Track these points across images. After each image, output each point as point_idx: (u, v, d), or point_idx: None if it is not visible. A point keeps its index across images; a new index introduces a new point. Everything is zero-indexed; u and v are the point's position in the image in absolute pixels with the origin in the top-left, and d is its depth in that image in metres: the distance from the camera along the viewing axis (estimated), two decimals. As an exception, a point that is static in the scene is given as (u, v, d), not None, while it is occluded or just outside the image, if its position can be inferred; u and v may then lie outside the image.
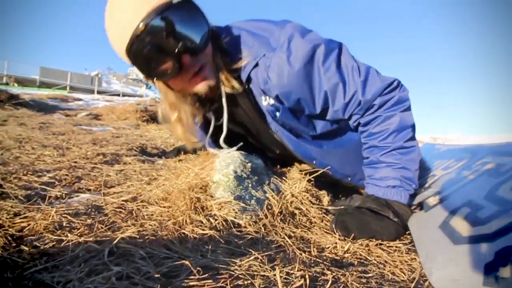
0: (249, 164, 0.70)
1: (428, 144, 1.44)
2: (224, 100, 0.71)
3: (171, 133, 2.09)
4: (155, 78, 0.66)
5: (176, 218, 0.48)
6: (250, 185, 0.64)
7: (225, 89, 0.69)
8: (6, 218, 0.43)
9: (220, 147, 0.79)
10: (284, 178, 0.78)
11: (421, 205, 0.67)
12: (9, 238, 0.38)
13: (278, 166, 0.92)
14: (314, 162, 0.83)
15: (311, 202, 0.69)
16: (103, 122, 2.30)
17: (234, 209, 0.53)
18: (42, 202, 0.52)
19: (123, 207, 0.53)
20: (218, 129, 0.78)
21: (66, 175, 0.72)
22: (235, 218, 0.51)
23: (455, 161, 0.91)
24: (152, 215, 0.50)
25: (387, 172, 0.64)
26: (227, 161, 0.68)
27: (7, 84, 13.14)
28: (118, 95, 15.68)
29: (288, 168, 0.85)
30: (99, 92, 15.79)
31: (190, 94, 0.71)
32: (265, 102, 0.72)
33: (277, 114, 0.73)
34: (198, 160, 0.80)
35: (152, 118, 2.70)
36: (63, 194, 0.59)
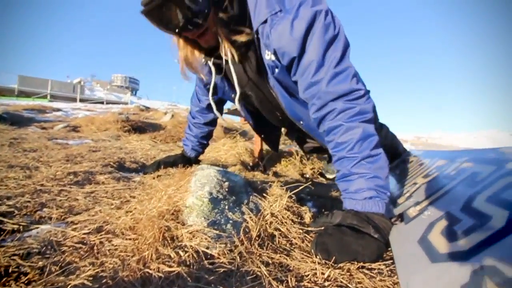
0: (227, 183, 0.66)
1: (412, 150, 1.45)
2: (230, 63, 0.80)
3: (153, 145, 2.03)
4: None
5: (141, 253, 0.44)
6: (226, 207, 0.60)
7: (226, 51, 0.76)
8: None
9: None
10: (265, 194, 0.75)
11: (401, 217, 0.66)
12: None
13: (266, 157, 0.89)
14: (301, 122, 0.92)
15: (292, 220, 0.66)
16: (81, 134, 2.21)
17: (207, 238, 0.49)
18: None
19: (84, 242, 0.48)
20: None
21: (28, 201, 0.67)
22: (207, 248, 0.47)
23: (435, 168, 0.91)
24: (116, 249, 0.46)
25: (360, 184, 0.63)
26: (202, 181, 0.64)
27: (-18, 94, 12.57)
28: (102, 102, 15.31)
29: (269, 183, 0.82)
30: (81, 100, 15.37)
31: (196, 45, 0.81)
32: (268, 56, 0.76)
33: (276, 70, 0.78)
34: (174, 179, 0.76)
35: (134, 128, 2.62)
36: (20, 227, 0.54)
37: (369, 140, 0.66)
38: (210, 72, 0.89)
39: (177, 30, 0.70)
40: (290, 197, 0.75)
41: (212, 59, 0.85)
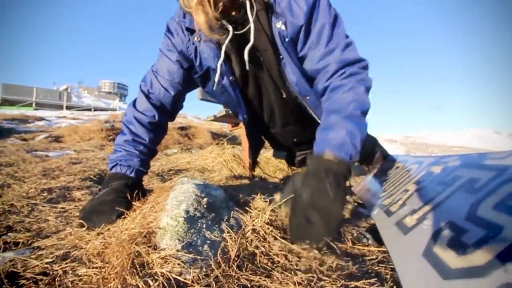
0: (205, 200, 0.64)
1: (400, 155, 1.44)
2: (249, 11, 0.77)
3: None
4: None
5: (106, 284, 0.40)
6: (204, 225, 0.57)
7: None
8: None
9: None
10: (247, 208, 0.73)
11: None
12: None
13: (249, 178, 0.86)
14: (308, 98, 0.90)
15: (275, 236, 0.64)
16: (63, 145, 2.14)
17: (180, 263, 0.46)
18: None
19: (46, 272, 0.44)
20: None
21: (-8, 225, 0.63)
22: (180, 275, 0.44)
23: (425, 173, 0.89)
24: (80, 280, 0.42)
25: (338, 134, 0.65)
26: (179, 198, 0.61)
27: (-36, 103, 12.17)
28: (90, 109, 15.02)
29: (252, 196, 0.79)
30: (68, 108, 15.05)
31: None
32: (279, 25, 0.79)
33: (286, 40, 0.80)
34: (153, 196, 0.73)
35: (120, 137, 2.56)
36: None
37: (364, 105, 0.72)
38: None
39: None
40: (273, 210, 0.72)
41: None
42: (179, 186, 0.67)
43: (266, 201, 0.76)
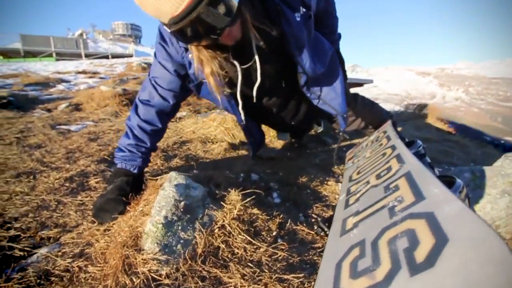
0: (183, 203, 0.80)
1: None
2: (254, 49, 0.83)
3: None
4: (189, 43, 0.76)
5: (105, 281, 0.60)
6: (180, 227, 0.74)
7: (254, 41, 0.81)
8: None
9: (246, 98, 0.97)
10: (222, 203, 0.88)
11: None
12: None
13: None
14: (321, 69, 1.01)
15: (240, 230, 0.80)
16: (83, 114, 2.35)
17: (157, 263, 0.65)
18: (7, 271, 0.64)
19: (68, 269, 0.65)
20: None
21: (31, 221, 0.84)
22: (156, 272, 0.63)
23: (387, 170, 0.93)
24: (90, 277, 0.63)
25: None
26: (161, 204, 0.78)
27: (-9, 58, 12.66)
28: (107, 57, 15.06)
29: (229, 189, 0.94)
30: (86, 56, 15.17)
31: (220, 48, 0.81)
32: (298, 15, 0.87)
33: (310, 18, 0.92)
34: (145, 194, 0.90)
35: (132, 101, 2.72)
36: (25, 254, 0.71)
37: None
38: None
39: (217, 34, 0.68)
40: (246, 202, 0.88)
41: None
42: (162, 192, 0.82)
43: (239, 195, 0.91)
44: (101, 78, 4.63)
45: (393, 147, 1.06)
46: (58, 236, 0.79)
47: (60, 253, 0.71)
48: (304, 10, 0.88)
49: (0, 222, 0.83)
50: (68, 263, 0.67)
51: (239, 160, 1.50)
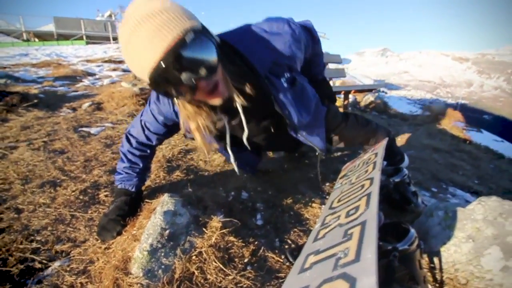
0: (168, 231, 0.94)
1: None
2: (239, 108, 0.90)
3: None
4: (173, 98, 0.83)
5: (98, 300, 0.77)
6: (162, 253, 0.89)
7: (237, 99, 0.87)
8: None
9: (237, 149, 1.07)
10: (204, 229, 1.02)
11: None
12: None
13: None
14: (306, 119, 1.09)
15: (215, 256, 0.94)
16: (103, 115, 2.57)
17: (139, 286, 0.80)
18: (28, 281, 0.83)
19: (73, 285, 0.83)
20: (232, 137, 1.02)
21: (49, 235, 1.03)
22: (138, 295, 0.78)
23: (355, 209, 0.98)
24: (87, 293, 0.80)
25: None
26: (149, 232, 0.93)
27: (28, 40, 13.50)
28: (133, 40, 15.42)
29: (212, 216, 1.07)
30: (114, 39, 15.68)
31: (205, 105, 0.87)
32: (284, 80, 0.95)
33: (297, 78, 1.01)
34: (140, 217, 1.06)
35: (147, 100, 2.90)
36: (43, 266, 0.90)
37: None
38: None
39: (193, 83, 0.70)
40: (225, 230, 1.01)
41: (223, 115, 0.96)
42: (153, 219, 0.97)
43: (220, 222, 1.05)
44: (123, 70, 4.87)
45: (371, 181, 1.12)
46: (69, 250, 0.98)
47: (68, 268, 0.89)
48: (288, 75, 0.98)
49: (26, 234, 1.03)
50: (73, 279, 0.84)
51: (235, 174, 1.62)
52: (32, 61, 5.60)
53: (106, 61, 6.04)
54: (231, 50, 0.88)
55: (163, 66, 0.65)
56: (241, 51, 0.88)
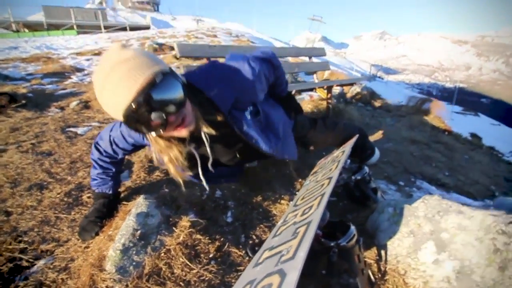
0: (139, 232, 1.06)
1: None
2: (204, 138, 0.97)
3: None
4: (146, 134, 0.86)
5: (76, 294, 0.89)
6: (134, 251, 1.01)
7: (204, 130, 0.96)
8: None
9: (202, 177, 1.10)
10: (174, 228, 1.14)
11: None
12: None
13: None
14: (277, 152, 1.21)
15: (182, 253, 1.06)
16: (90, 114, 2.65)
17: (112, 281, 0.92)
18: (16, 278, 0.95)
19: (55, 280, 0.94)
20: (204, 161, 1.07)
21: (35, 236, 1.15)
22: (111, 289, 0.91)
23: (308, 209, 1.04)
24: (67, 288, 0.92)
25: None
26: (122, 233, 1.04)
27: (17, 31, 13.25)
28: (125, 28, 15.20)
29: (181, 216, 1.19)
30: (105, 27, 15.40)
31: (175, 138, 0.94)
32: (247, 113, 1.06)
33: (260, 109, 1.12)
34: (116, 219, 1.17)
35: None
36: (29, 264, 1.02)
37: None
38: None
39: (163, 119, 0.77)
40: (193, 226, 1.13)
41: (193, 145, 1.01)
42: (126, 220, 1.08)
43: (190, 222, 1.16)
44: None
45: (330, 180, 1.21)
46: (53, 250, 1.09)
47: (52, 266, 1.01)
48: (251, 108, 1.08)
49: (14, 235, 1.14)
50: (55, 276, 0.96)
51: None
52: (21, 55, 5.59)
53: (96, 54, 6.01)
54: (196, 90, 0.94)
55: (135, 106, 0.72)
56: (205, 91, 0.95)
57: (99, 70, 0.76)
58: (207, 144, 0.99)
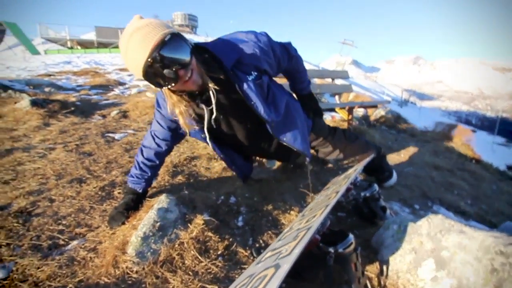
0: (158, 224, 1.19)
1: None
2: (211, 93, 1.13)
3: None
4: (162, 87, 1.03)
5: (101, 269, 1.03)
6: (152, 240, 1.14)
7: (210, 85, 1.12)
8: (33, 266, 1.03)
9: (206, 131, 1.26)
10: (189, 224, 1.26)
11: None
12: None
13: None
14: (272, 120, 1.28)
15: (194, 246, 1.17)
16: (127, 122, 2.94)
17: (132, 263, 1.05)
18: (53, 253, 1.12)
19: (84, 258, 1.10)
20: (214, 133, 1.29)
21: (72, 221, 1.33)
22: (130, 269, 1.04)
23: (313, 217, 1.15)
24: (93, 265, 1.06)
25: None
26: (144, 223, 1.19)
27: (71, 48, 14.91)
28: (164, 48, 16.44)
29: (197, 214, 1.31)
30: (147, 47, 16.80)
31: (185, 92, 1.13)
32: (250, 77, 1.15)
33: (263, 78, 1.22)
34: (141, 211, 1.33)
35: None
36: (65, 243, 1.19)
37: None
38: (194, 119, 1.24)
39: (174, 72, 0.95)
40: (206, 225, 1.24)
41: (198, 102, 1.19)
42: (150, 212, 1.23)
43: (204, 220, 1.28)
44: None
45: (337, 193, 1.29)
46: (85, 233, 1.26)
47: (83, 246, 1.17)
48: (255, 73, 1.18)
49: (55, 218, 1.33)
50: (85, 254, 1.12)
51: (230, 180, 1.86)
52: (73, 69, 6.30)
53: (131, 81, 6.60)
54: (202, 50, 1.10)
55: (150, 61, 0.91)
56: (210, 49, 1.11)
57: (123, 37, 0.97)
58: (213, 99, 1.14)
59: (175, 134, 1.42)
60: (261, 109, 1.22)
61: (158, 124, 1.37)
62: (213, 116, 1.21)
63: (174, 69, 0.95)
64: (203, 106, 1.19)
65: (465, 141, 3.69)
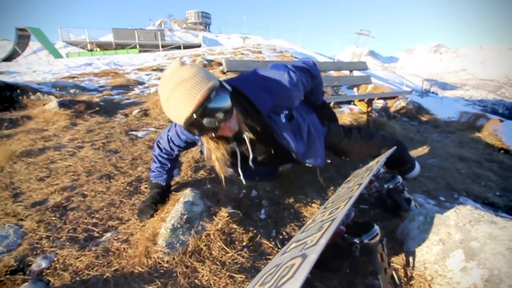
0: (185, 216, 1.24)
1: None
2: (246, 138, 1.14)
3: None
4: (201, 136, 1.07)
5: (133, 259, 1.09)
6: (180, 232, 1.19)
7: (245, 131, 1.13)
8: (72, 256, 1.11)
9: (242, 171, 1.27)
10: (214, 217, 1.30)
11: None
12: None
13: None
14: (300, 155, 1.35)
15: (220, 238, 1.21)
16: (148, 120, 3.03)
17: (163, 253, 1.11)
18: (89, 244, 1.19)
19: (118, 248, 1.16)
20: (243, 159, 1.26)
21: (104, 214, 1.41)
22: (161, 259, 1.09)
23: (336, 209, 1.18)
24: (126, 256, 1.13)
25: None
26: (172, 215, 1.24)
27: (91, 50, 15.45)
28: (179, 47, 16.69)
29: (221, 207, 1.35)
30: (163, 46, 17.11)
31: (222, 138, 1.14)
32: (283, 116, 1.22)
33: (293, 113, 1.28)
34: (168, 204, 1.38)
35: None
36: (99, 235, 1.26)
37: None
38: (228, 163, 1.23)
39: (216, 126, 0.97)
40: (230, 217, 1.28)
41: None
42: (176, 205, 1.28)
43: (228, 213, 1.32)
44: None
45: (359, 186, 1.29)
46: (117, 226, 1.33)
47: (116, 238, 1.24)
48: (286, 112, 1.23)
49: (89, 212, 1.41)
50: (119, 245, 1.19)
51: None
52: (94, 71, 6.54)
53: (154, 69, 6.76)
54: (240, 95, 1.10)
55: (195, 116, 0.92)
56: (248, 96, 1.11)
57: (164, 86, 0.96)
58: (248, 143, 1.16)
59: (189, 145, 1.45)
60: (293, 145, 1.28)
61: (177, 136, 1.37)
62: (250, 158, 1.24)
63: (216, 122, 0.96)
64: (236, 147, 1.22)
65: (492, 131, 3.51)
